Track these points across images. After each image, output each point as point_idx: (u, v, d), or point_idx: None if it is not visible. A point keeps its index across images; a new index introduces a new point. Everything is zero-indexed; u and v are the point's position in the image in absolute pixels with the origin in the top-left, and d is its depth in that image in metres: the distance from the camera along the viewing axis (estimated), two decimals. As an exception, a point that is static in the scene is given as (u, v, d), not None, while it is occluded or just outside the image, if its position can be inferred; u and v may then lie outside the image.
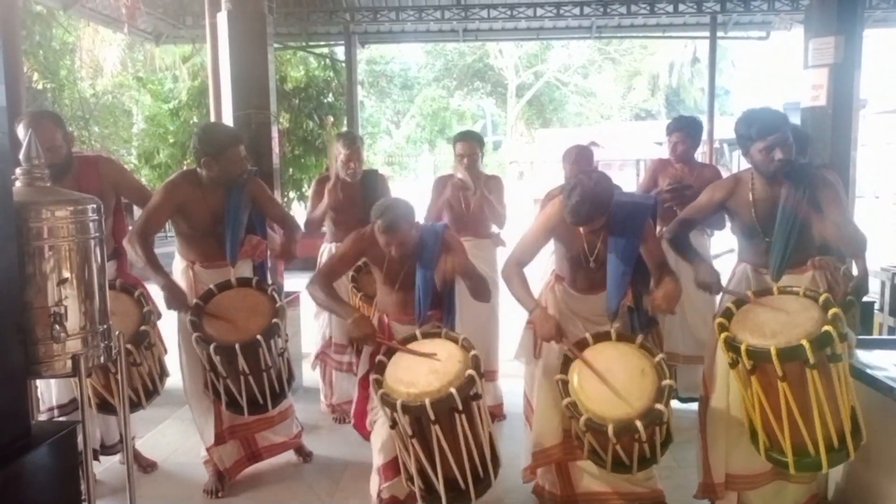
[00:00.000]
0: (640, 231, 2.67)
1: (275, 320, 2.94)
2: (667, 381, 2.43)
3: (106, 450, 3.41)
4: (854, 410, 2.42)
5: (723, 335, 2.47)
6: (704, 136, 5.58)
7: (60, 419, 3.16)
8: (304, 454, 3.58)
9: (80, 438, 1.93)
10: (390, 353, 2.64)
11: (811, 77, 5.87)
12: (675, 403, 4.14)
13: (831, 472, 2.90)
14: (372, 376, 2.60)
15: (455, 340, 2.61)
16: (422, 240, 2.81)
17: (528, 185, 20.16)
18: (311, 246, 4.10)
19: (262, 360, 2.91)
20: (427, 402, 2.33)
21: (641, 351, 2.56)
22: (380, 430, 2.78)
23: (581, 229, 2.69)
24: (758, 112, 2.72)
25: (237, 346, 2.82)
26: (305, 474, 3.45)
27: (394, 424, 2.47)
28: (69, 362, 1.85)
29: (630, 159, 21.51)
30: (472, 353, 2.52)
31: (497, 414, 4.15)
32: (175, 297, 3.00)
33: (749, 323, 2.47)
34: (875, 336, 4.45)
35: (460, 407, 2.37)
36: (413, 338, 2.70)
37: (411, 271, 2.82)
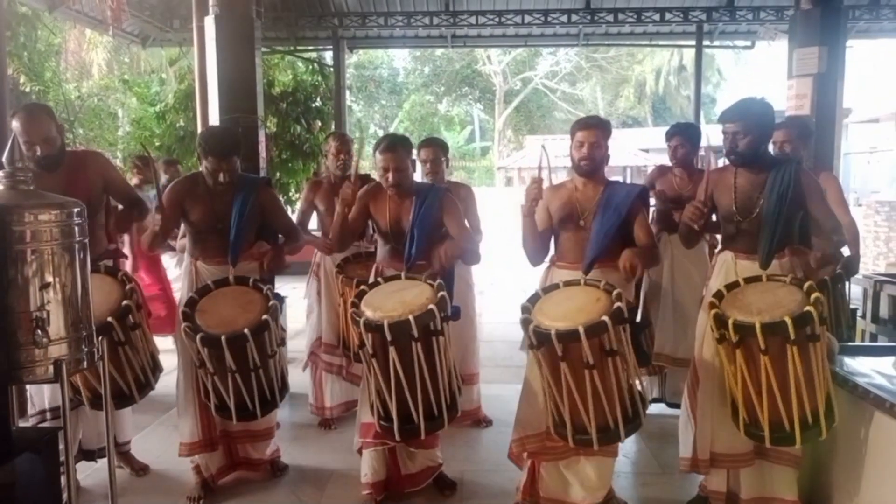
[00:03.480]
0: (627, 203, 2.90)
1: (265, 317, 2.93)
2: (618, 304, 2.54)
3: (98, 453, 3.38)
4: (829, 394, 2.57)
5: (713, 311, 2.62)
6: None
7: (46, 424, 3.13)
8: (279, 469, 3.51)
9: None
10: (372, 286, 2.96)
11: (795, 86, 5.94)
12: (662, 408, 4.19)
13: (814, 478, 2.93)
14: (350, 300, 2.88)
15: (431, 285, 2.84)
16: (420, 192, 3.13)
17: (516, 191, 20.19)
18: (305, 251, 4.07)
19: (249, 358, 2.89)
20: (385, 322, 2.59)
21: (603, 290, 2.71)
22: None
23: (576, 190, 2.97)
24: (736, 102, 2.89)
25: (223, 338, 2.81)
26: (291, 481, 3.42)
27: (362, 345, 2.73)
28: (51, 368, 1.83)
29: (617, 166, 21.59)
30: (441, 293, 2.73)
31: (475, 417, 4.14)
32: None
33: (737, 303, 2.65)
34: (858, 343, 4.49)
35: (416, 335, 2.60)
36: (397, 277, 2.99)
37: (407, 226, 3.10)
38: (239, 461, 3.41)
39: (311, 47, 11.07)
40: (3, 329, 1.75)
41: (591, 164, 2.93)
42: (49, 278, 1.83)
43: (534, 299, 2.77)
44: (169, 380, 4.82)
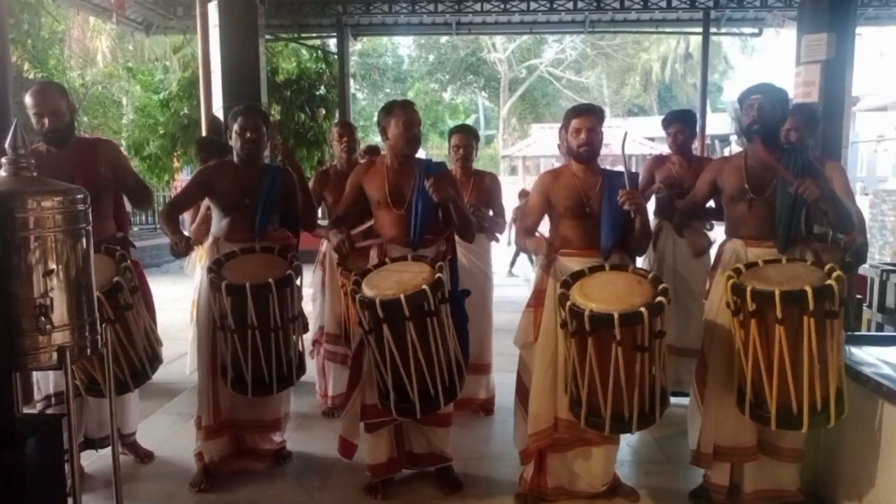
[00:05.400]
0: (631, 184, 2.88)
1: (289, 272, 3.02)
2: (664, 285, 2.57)
3: (100, 442, 3.38)
4: (840, 385, 2.52)
5: (730, 282, 2.58)
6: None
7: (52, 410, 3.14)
8: (283, 457, 3.52)
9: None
10: (378, 266, 2.97)
11: (803, 73, 5.89)
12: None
13: (819, 467, 2.93)
14: (353, 278, 2.90)
15: (433, 266, 2.85)
16: (423, 167, 3.11)
17: (520, 180, 20.13)
18: (312, 239, 4.07)
19: (271, 313, 2.94)
20: (378, 300, 2.63)
21: (634, 273, 2.75)
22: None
23: (576, 177, 2.93)
24: (757, 83, 2.91)
25: (248, 285, 2.89)
26: (295, 470, 3.43)
27: (360, 321, 2.77)
28: (55, 354, 1.83)
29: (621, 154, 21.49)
30: (438, 275, 2.74)
31: (488, 408, 4.15)
32: (180, 243, 3.15)
33: (756, 275, 2.62)
34: (864, 332, 4.47)
35: (407, 314, 2.62)
36: (403, 258, 2.99)
37: (408, 195, 3.08)
38: (246, 450, 3.41)
39: (314, 34, 11.01)
40: (6, 316, 1.75)
41: (591, 150, 2.90)
42: (52, 265, 1.82)
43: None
44: (173, 367, 4.85)
